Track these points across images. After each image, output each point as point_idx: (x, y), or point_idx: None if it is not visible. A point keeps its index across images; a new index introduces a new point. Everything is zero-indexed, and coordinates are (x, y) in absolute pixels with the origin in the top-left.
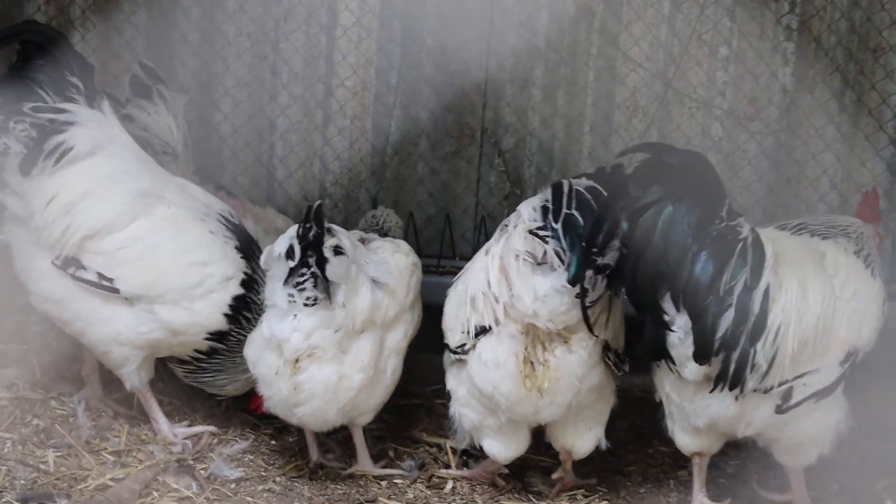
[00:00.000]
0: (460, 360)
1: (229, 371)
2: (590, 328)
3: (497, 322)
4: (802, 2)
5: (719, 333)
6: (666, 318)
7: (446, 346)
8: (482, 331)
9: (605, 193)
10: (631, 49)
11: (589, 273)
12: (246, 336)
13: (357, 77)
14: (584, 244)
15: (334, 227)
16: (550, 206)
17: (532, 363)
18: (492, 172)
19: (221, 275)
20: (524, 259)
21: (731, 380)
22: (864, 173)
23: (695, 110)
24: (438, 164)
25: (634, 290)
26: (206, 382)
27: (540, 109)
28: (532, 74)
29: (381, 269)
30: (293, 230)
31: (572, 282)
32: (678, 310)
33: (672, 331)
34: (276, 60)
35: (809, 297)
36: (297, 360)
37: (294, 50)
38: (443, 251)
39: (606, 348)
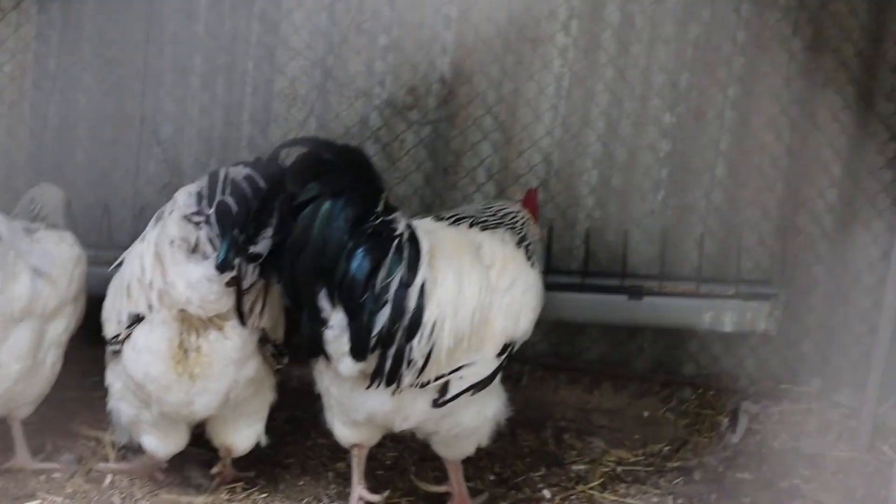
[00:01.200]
0: (117, 353)
1: None
2: (241, 317)
3: (151, 308)
4: None
5: (375, 331)
6: (322, 314)
7: (103, 339)
8: (137, 319)
9: (262, 182)
10: (291, 37)
11: (239, 261)
12: None
13: (15, 62)
14: (234, 231)
15: None
16: (206, 192)
17: (186, 350)
18: (150, 161)
19: None
20: (178, 245)
21: (387, 376)
22: (520, 164)
23: (354, 100)
24: (97, 151)
25: (292, 286)
26: None
27: (199, 97)
28: (191, 62)
29: (44, 258)
30: None
31: (220, 268)
32: (333, 306)
33: (328, 327)
34: None
35: (465, 290)
36: None
37: None
38: (101, 241)
39: (265, 339)
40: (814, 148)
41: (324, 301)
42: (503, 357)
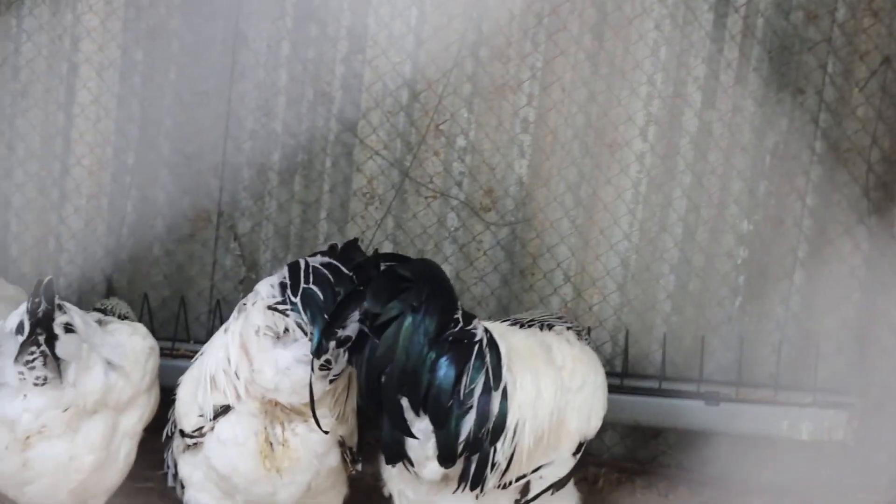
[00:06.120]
0: (196, 445)
1: None
2: (313, 411)
3: (238, 399)
4: (540, 95)
5: (462, 437)
6: (406, 423)
7: (180, 432)
8: (221, 411)
9: (343, 268)
10: (369, 137)
11: (331, 345)
12: None
13: (94, 156)
14: (325, 316)
15: (66, 304)
16: (288, 282)
17: (271, 443)
18: (227, 256)
19: None
20: (264, 333)
21: (472, 479)
22: (597, 267)
23: (431, 200)
24: (174, 245)
25: (376, 400)
26: None
27: (277, 194)
28: (269, 159)
29: (117, 351)
30: (24, 306)
31: (316, 352)
32: (418, 414)
33: (415, 437)
34: (13, 137)
35: (543, 391)
36: (27, 438)
37: (31, 127)
38: (177, 334)
39: (342, 444)
40: (891, 258)
41: (408, 411)
42: (578, 455)
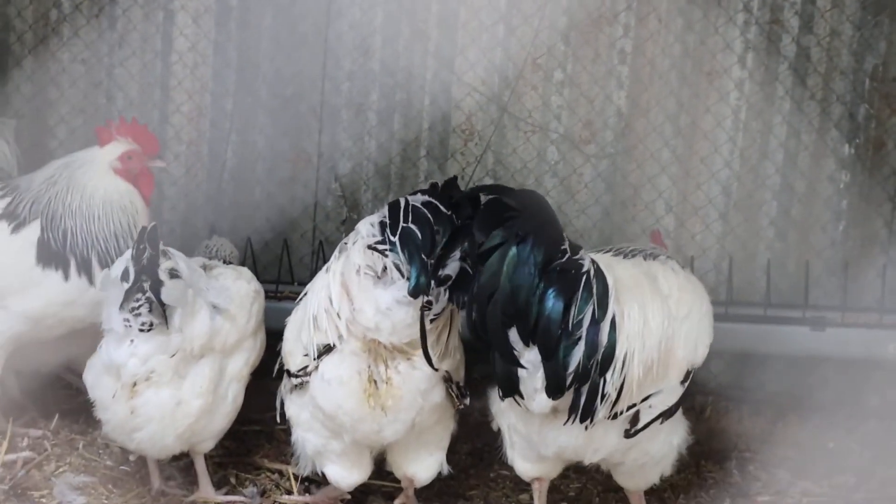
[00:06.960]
0: (302, 385)
1: None
2: (427, 354)
3: (340, 338)
4: (636, 26)
5: (571, 368)
6: (515, 354)
7: (287, 372)
8: (325, 350)
9: (443, 207)
10: (466, 73)
11: (430, 284)
12: None
13: (193, 103)
14: (423, 256)
15: (170, 250)
16: (388, 221)
17: (375, 381)
18: (329, 197)
19: None
20: (364, 273)
21: (582, 411)
22: (699, 196)
23: (530, 134)
24: (275, 189)
25: (482, 329)
26: None
27: (376, 134)
28: (368, 99)
29: (222, 295)
30: (128, 253)
31: (413, 293)
32: (527, 345)
33: (523, 367)
34: (111, 86)
35: (650, 321)
36: (134, 385)
37: (129, 76)
38: (281, 276)
39: (448, 380)
40: None
41: (516, 342)
42: (686, 384)
